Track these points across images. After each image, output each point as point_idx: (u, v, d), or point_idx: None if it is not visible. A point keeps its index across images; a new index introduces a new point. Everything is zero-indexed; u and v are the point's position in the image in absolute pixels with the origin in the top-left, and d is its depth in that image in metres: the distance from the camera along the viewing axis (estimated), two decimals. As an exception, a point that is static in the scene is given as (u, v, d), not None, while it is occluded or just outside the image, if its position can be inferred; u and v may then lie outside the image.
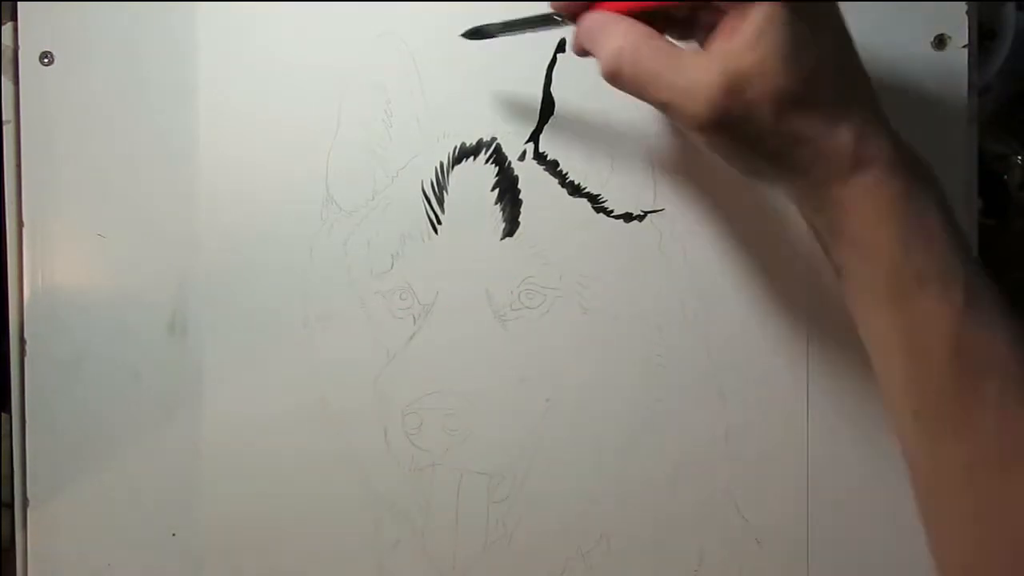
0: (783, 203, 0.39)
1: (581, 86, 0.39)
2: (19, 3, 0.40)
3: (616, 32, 0.31)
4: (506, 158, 0.39)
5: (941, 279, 0.32)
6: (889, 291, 0.32)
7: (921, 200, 0.32)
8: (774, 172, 0.32)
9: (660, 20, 0.32)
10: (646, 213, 0.39)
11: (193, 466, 0.40)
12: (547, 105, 0.39)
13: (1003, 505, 0.31)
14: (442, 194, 0.39)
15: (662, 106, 0.31)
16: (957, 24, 0.39)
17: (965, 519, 0.33)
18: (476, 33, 0.37)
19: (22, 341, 0.40)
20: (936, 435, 0.33)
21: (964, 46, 0.39)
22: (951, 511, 0.33)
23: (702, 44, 0.32)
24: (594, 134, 0.39)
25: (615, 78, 0.31)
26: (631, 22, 0.31)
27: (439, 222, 0.40)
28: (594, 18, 0.32)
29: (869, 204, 0.31)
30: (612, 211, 0.40)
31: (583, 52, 0.34)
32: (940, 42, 0.39)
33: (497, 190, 0.40)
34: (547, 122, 0.39)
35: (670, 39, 0.32)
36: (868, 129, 0.31)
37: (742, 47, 0.30)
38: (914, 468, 0.34)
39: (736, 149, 0.32)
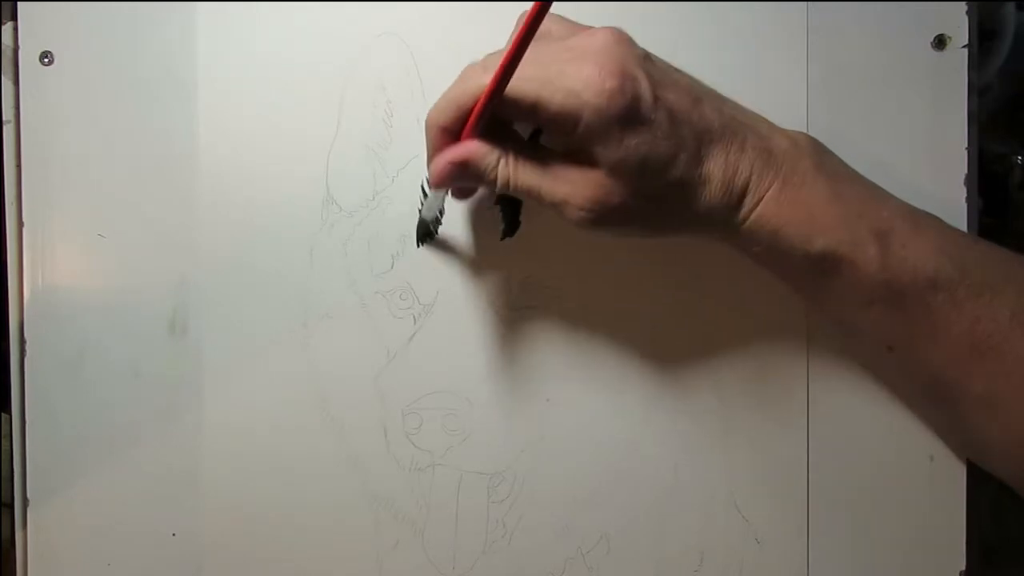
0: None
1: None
2: (19, 3, 0.40)
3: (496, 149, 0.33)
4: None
5: (849, 244, 0.33)
6: (813, 275, 0.34)
7: (795, 186, 0.33)
8: (672, 234, 0.35)
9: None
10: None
11: (193, 466, 0.40)
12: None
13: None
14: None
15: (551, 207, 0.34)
16: (957, 24, 0.39)
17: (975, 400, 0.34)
18: (425, 237, 0.39)
19: (22, 341, 0.40)
20: (912, 357, 0.35)
21: (964, 46, 0.39)
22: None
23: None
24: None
25: (504, 188, 0.33)
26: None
27: (439, 222, 0.40)
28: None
29: (762, 222, 0.33)
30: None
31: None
32: (940, 42, 0.39)
33: (497, 190, 0.40)
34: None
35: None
36: (731, 161, 0.33)
37: (602, 178, 0.32)
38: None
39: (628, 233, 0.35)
